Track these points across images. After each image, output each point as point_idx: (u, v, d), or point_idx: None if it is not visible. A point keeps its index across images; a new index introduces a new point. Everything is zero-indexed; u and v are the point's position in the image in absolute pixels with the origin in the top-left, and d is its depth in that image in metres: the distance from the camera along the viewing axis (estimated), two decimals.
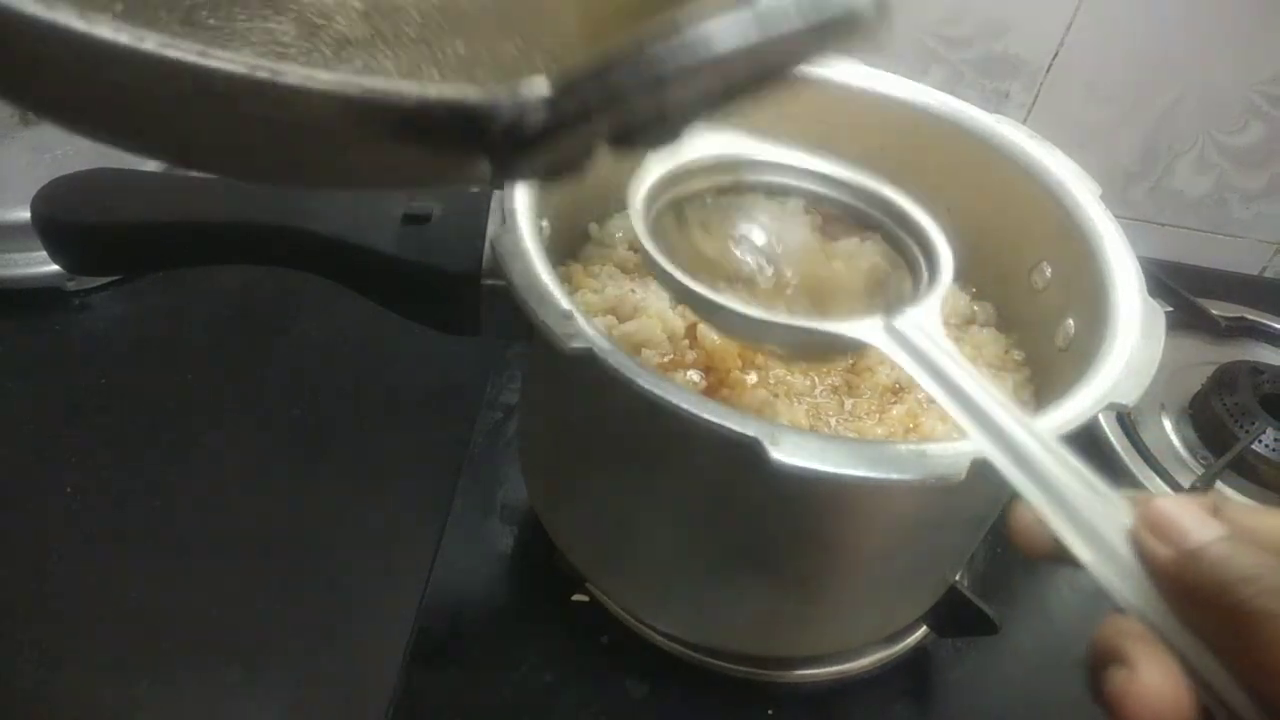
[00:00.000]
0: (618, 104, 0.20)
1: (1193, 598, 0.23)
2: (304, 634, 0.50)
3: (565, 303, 0.36)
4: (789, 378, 0.46)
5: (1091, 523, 0.26)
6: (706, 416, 0.33)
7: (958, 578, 0.50)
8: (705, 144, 0.41)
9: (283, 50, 0.30)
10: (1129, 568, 0.25)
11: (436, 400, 0.62)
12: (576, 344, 0.35)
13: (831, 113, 0.52)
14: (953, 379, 0.31)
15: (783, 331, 0.36)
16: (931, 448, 0.34)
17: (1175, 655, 0.23)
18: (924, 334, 0.34)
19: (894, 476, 0.33)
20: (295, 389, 0.62)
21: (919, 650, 0.53)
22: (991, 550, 0.58)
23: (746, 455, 0.32)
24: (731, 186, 0.42)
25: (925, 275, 0.39)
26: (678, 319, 0.46)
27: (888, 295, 0.39)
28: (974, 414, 0.30)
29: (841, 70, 0.52)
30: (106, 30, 0.17)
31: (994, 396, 0.30)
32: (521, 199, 0.41)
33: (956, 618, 0.50)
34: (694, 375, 0.45)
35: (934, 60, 0.76)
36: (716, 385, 0.45)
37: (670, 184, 0.40)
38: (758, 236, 0.41)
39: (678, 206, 0.41)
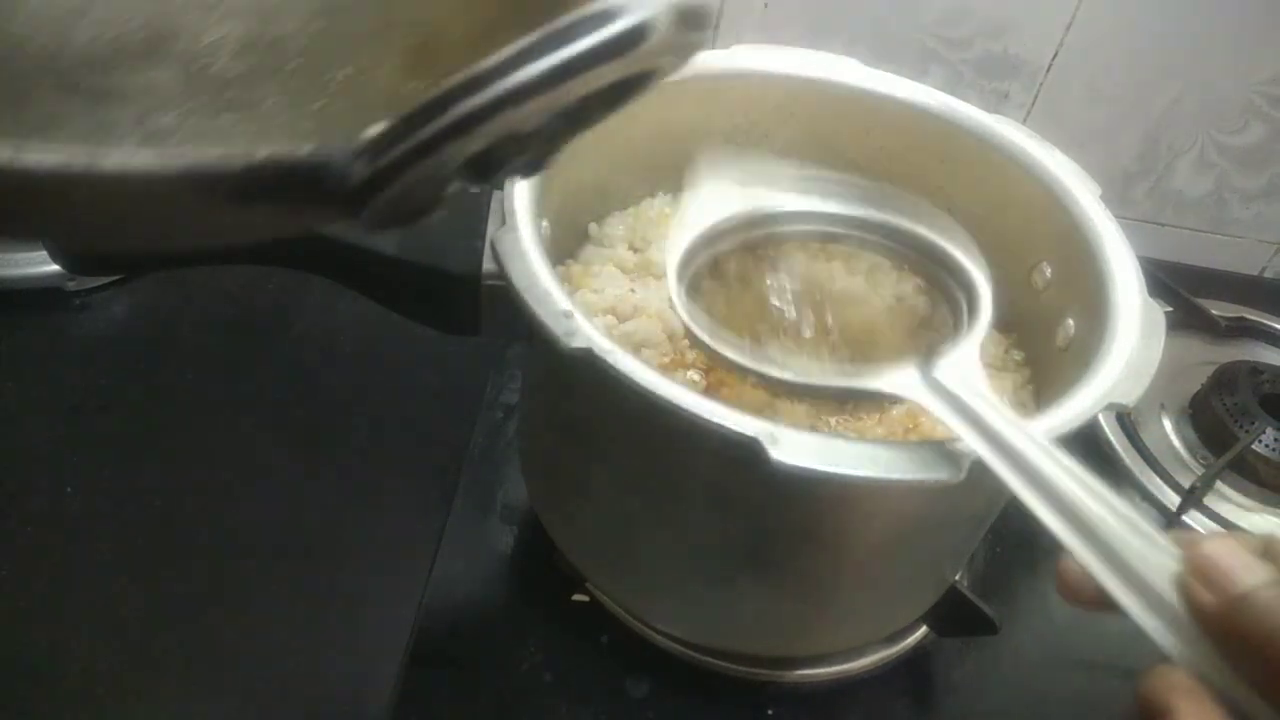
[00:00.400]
0: (429, 153, 0.20)
1: (1242, 646, 0.23)
2: (304, 634, 0.50)
3: (565, 303, 0.36)
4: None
5: (1139, 572, 0.25)
6: (706, 416, 0.33)
7: (958, 578, 0.50)
8: (735, 202, 0.42)
9: (164, 104, 0.30)
10: (1177, 616, 0.24)
11: (436, 400, 0.62)
12: (576, 344, 0.35)
13: (832, 114, 0.52)
14: (994, 429, 0.31)
15: (819, 390, 0.37)
16: (932, 448, 0.34)
17: (1226, 706, 0.23)
18: (964, 383, 0.33)
19: (894, 477, 0.33)
20: (295, 389, 0.62)
21: (919, 650, 0.53)
22: (991, 550, 0.58)
23: (746, 455, 0.32)
24: (767, 240, 0.42)
25: (965, 313, 0.39)
26: (677, 319, 0.46)
27: (930, 335, 0.39)
28: (1016, 465, 0.30)
29: (842, 71, 0.52)
30: None
31: (1038, 445, 0.30)
32: (521, 199, 0.41)
33: (956, 618, 0.50)
34: (694, 375, 0.45)
35: (934, 60, 0.76)
36: (716, 385, 0.45)
37: (705, 245, 0.41)
38: (796, 285, 0.42)
39: (715, 265, 0.41)
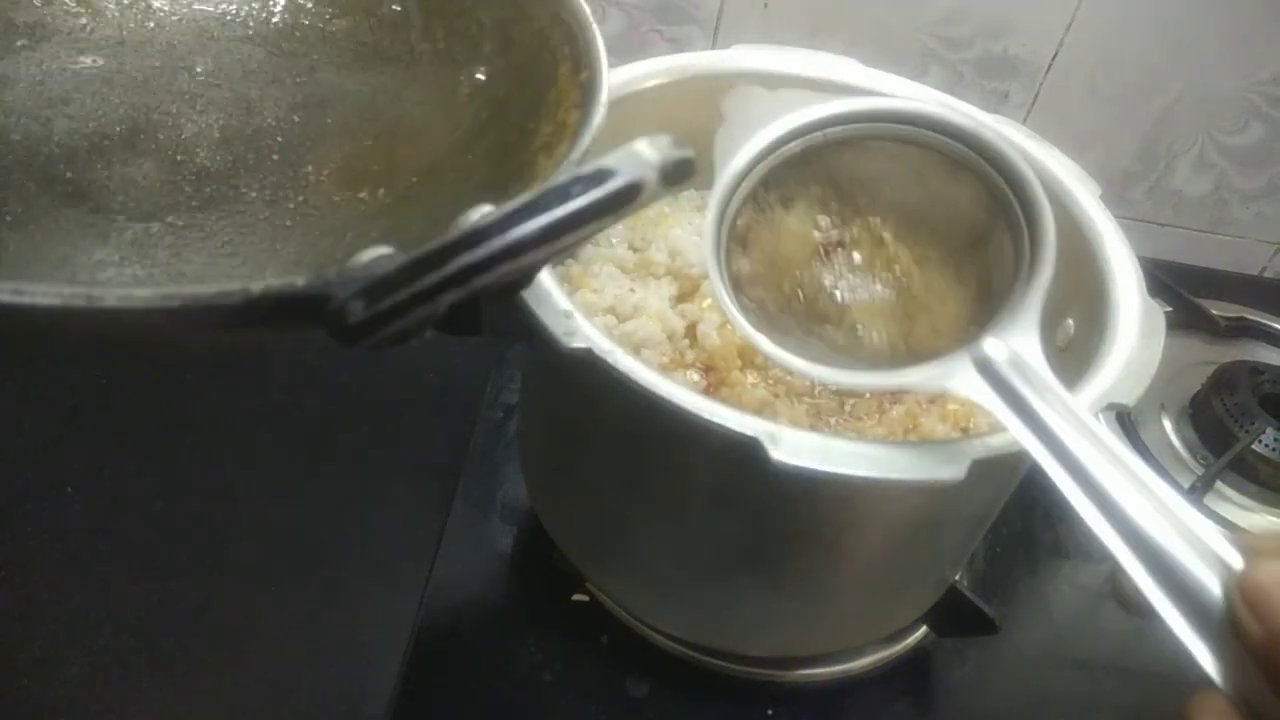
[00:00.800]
0: (427, 301, 0.22)
1: None
2: (304, 634, 0.50)
3: (565, 302, 0.36)
4: (789, 378, 0.46)
5: (1192, 594, 0.25)
6: (706, 416, 0.33)
7: (957, 578, 0.50)
8: (772, 129, 0.39)
9: (140, 197, 0.30)
10: (1224, 641, 0.24)
11: (436, 400, 0.62)
12: (576, 344, 0.35)
13: None
14: (1051, 430, 0.30)
15: (865, 388, 0.36)
16: (932, 448, 0.34)
17: None
18: (1021, 373, 0.32)
19: (894, 477, 0.33)
20: (295, 389, 0.62)
21: (919, 650, 0.53)
22: (991, 550, 0.58)
23: (747, 455, 0.32)
24: (812, 154, 0.39)
25: (1027, 246, 0.36)
26: (677, 319, 0.46)
27: (988, 258, 0.37)
28: (1073, 470, 0.29)
29: (842, 71, 0.52)
30: None
31: (1096, 447, 0.29)
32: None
33: (956, 618, 0.50)
34: (694, 375, 0.45)
35: (934, 60, 0.76)
36: (717, 385, 0.44)
37: (746, 183, 0.39)
38: (844, 222, 0.39)
39: (755, 194, 0.39)
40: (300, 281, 0.21)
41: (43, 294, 0.19)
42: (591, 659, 0.50)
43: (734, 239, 0.39)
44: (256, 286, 0.20)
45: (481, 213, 0.24)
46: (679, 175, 0.23)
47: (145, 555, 0.52)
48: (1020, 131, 0.50)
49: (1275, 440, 0.64)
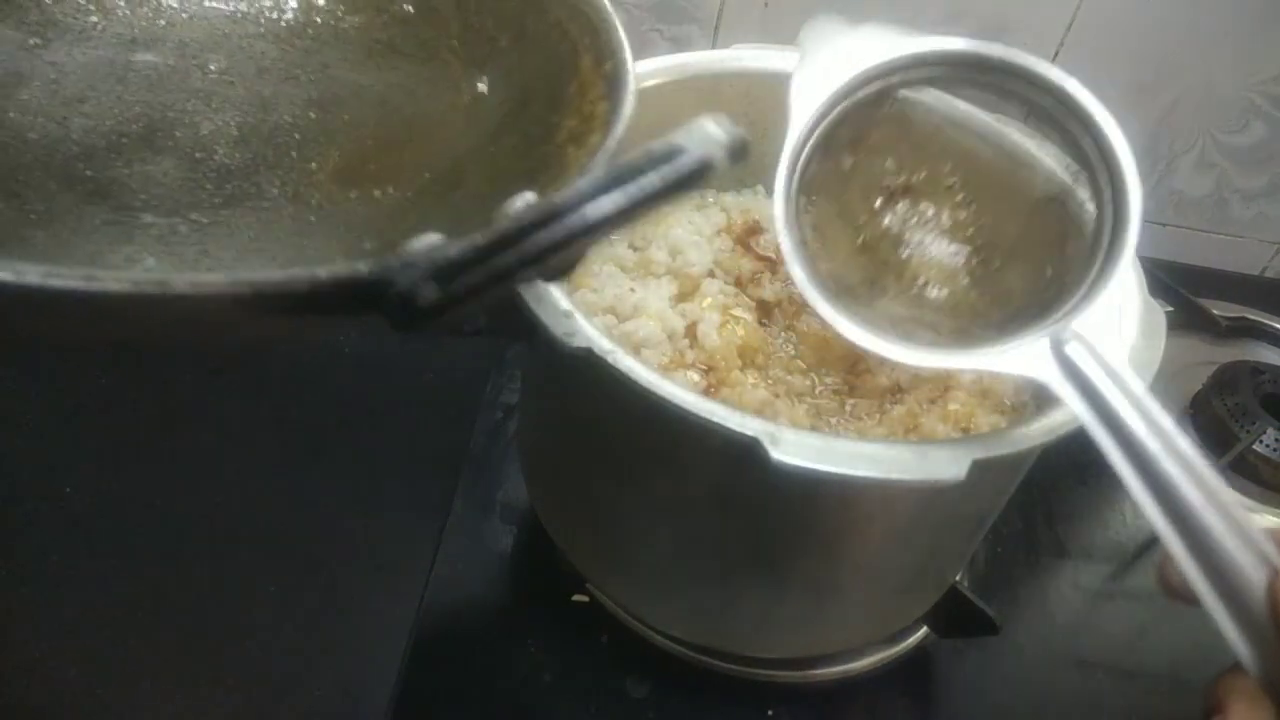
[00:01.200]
0: (503, 281, 0.22)
1: None
2: (304, 634, 0.50)
3: (565, 302, 0.36)
4: (789, 378, 0.46)
5: (1233, 582, 0.26)
6: (707, 416, 0.33)
7: (958, 578, 0.50)
8: (846, 69, 0.37)
9: (163, 194, 0.30)
10: (1260, 627, 0.25)
11: (436, 400, 0.62)
12: (576, 343, 0.35)
13: None
14: (1121, 421, 0.30)
15: (932, 366, 0.34)
16: (932, 448, 0.34)
17: None
18: (1096, 362, 0.32)
19: (895, 477, 0.33)
20: (295, 389, 0.62)
21: (919, 651, 0.53)
22: (992, 550, 0.58)
23: (747, 455, 0.32)
24: (895, 88, 0.38)
25: (1109, 202, 0.35)
26: (677, 318, 0.46)
27: (1064, 223, 0.35)
28: (1137, 461, 0.29)
29: None
30: None
31: (1161, 441, 0.29)
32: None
33: (957, 618, 0.50)
34: (694, 375, 0.45)
35: None
36: (717, 385, 0.44)
37: (823, 119, 0.37)
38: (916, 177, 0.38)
39: (828, 140, 0.38)
40: (365, 266, 0.21)
41: (114, 280, 0.18)
42: (591, 659, 0.50)
43: (802, 189, 0.38)
44: (324, 271, 0.20)
45: (525, 200, 0.24)
46: (742, 153, 0.23)
47: (145, 555, 0.52)
48: (1021, 131, 0.50)
49: (1276, 440, 0.63)
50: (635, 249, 0.51)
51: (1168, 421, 0.29)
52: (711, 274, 0.50)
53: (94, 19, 0.35)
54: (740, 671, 0.50)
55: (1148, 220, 0.87)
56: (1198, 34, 0.73)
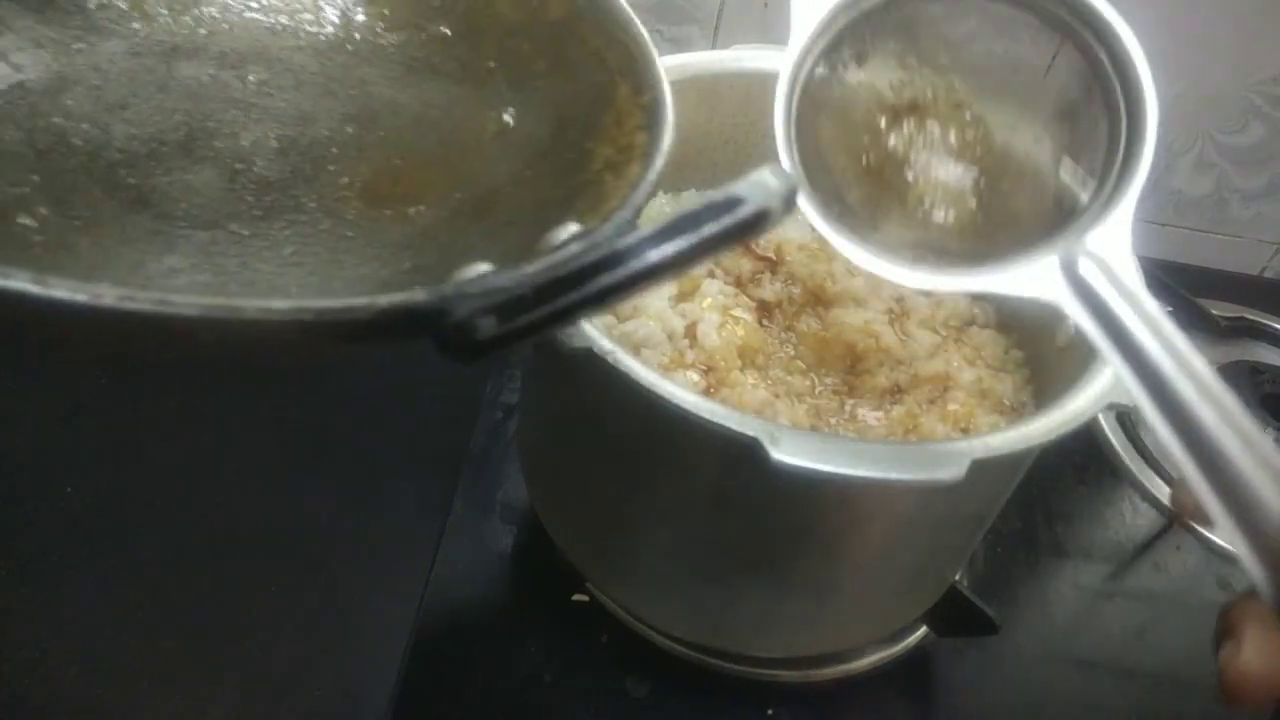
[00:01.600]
0: (562, 319, 0.23)
1: None
2: (304, 634, 0.50)
3: None
4: (789, 378, 0.46)
5: (1252, 508, 0.25)
6: (707, 416, 0.33)
7: (958, 578, 0.50)
8: None
9: (203, 204, 0.31)
10: (1277, 556, 0.25)
11: (436, 400, 0.62)
12: (576, 344, 0.35)
13: None
14: (1136, 344, 0.29)
15: (941, 288, 0.33)
16: (932, 447, 0.34)
17: None
18: (1110, 279, 0.31)
19: (894, 476, 0.32)
20: (295, 389, 0.62)
21: (919, 650, 0.53)
22: (992, 550, 0.58)
23: (747, 455, 0.32)
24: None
25: (1123, 117, 0.34)
26: (677, 318, 0.46)
27: (1077, 139, 0.34)
28: (1152, 386, 0.28)
29: None
30: (63, 292, 0.18)
31: (1178, 364, 0.28)
32: None
33: (956, 618, 0.50)
34: (694, 375, 0.45)
35: None
36: (717, 385, 0.44)
37: (825, 29, 0.36)
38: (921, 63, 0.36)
39: (830, 52, 0.37)
40: (423, 295, 0.21)
41: (186, 305, 0.19)
42: (591, 659, 0.50)
43: (803, 107, 0.37)
44: (384, 300, 0.21)
45: (569, 231, 0.25)
46: (794, 202, 0.24)
47: (145, 555, 0.52)
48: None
49: (1277, 441, 0.63)
50: None
51: (1182, 341, 0.29)
52: (711, 274, 0.50)
53: (136, 25, 0.35)
54: (740, 671, 0.50)
55: (1147, 220, 0.87)
56: (1197, 34, 0.73)
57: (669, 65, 0.51)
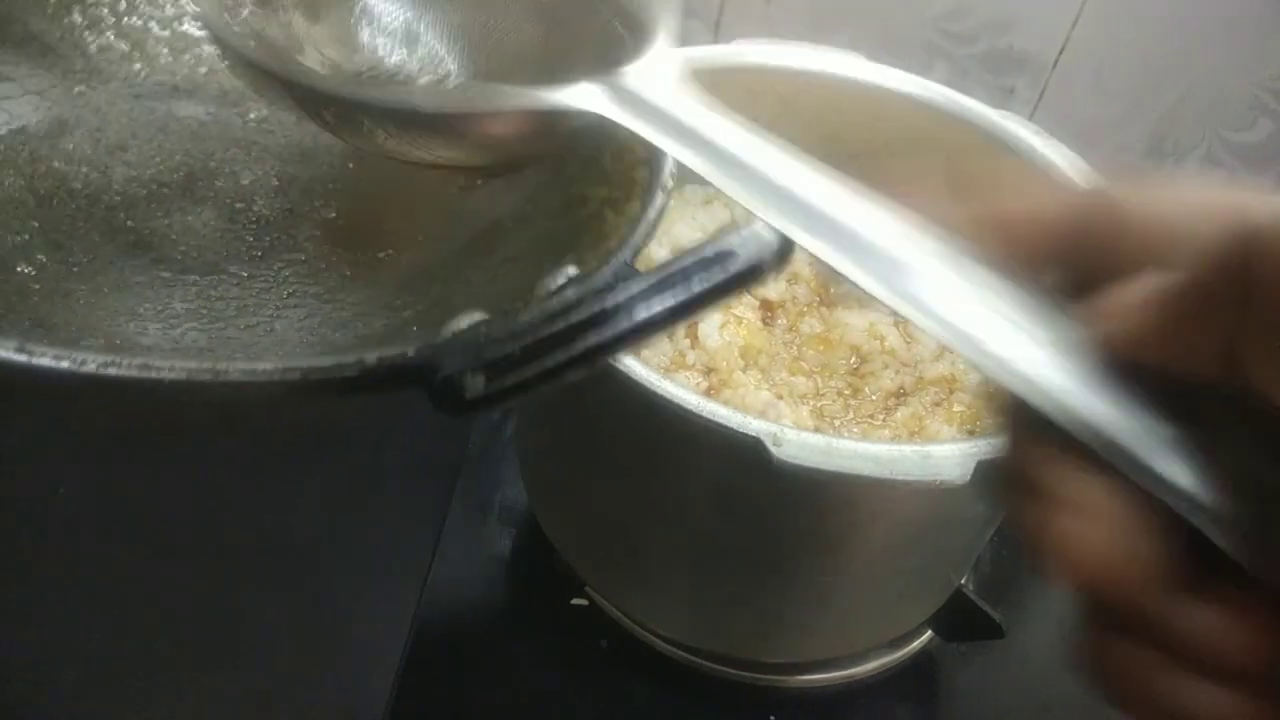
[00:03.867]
0: (550, 379, 0.23)
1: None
2: (299, 637, 0.50)
3: None
4: (792, 379, 0.46)
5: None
6: (709, 417, 0.33)
7: (963, 581, 0.50)
8: None
9: (202, 246, 0.30)
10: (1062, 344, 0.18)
11: None
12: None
13: (836, 108, 0.52)
14: (718, 144, 0.25)
15: (455, 122, 0.27)
16: (936, 449, 0.33)
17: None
18: (664, 91, 0.27)
19: (899, 477, 0.32)
20: None
21: (923, 655, 0.52)
22: (997, 553, 0.57)
23: (749, 456, 0.32)
24: None
25: None
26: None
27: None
28: (748, 180, 0.23)
29: (847, 66, 0.51)
30: (47, 360, 0.19)
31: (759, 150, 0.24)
32: None
33: (962, 622, 0.50)
34: (695, 377, 0.44)
35: (939, 56, 0.75)
36: (718, 386, 0.44)
37: None
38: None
39: None
40: (412, 351, 0.22)
41: (169, 369, 0.20)
42: (591, 664, 0.50)
43: None
44: (372, 357, 0.21)
45: (567, 274, 0.24)
46: (788, 256, 0.23)
47: (138, 557, 0.52)
48: (1026, 127, 0.49)
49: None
50: None
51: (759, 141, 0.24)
52: None
53: (137, 66, 0.35)
54: (742, 676, 0.50)
55: None
56: (1205, 30, 0.73)
57: None
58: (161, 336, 0.27)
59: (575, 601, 0.52)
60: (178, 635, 0.49)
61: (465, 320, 0.22)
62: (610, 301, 0.22)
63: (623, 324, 0.22)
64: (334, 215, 0.33)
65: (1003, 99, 0.77)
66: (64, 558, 0.51)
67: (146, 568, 0.51)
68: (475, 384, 0.21)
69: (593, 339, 0.22)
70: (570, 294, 0.23)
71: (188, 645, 0.49)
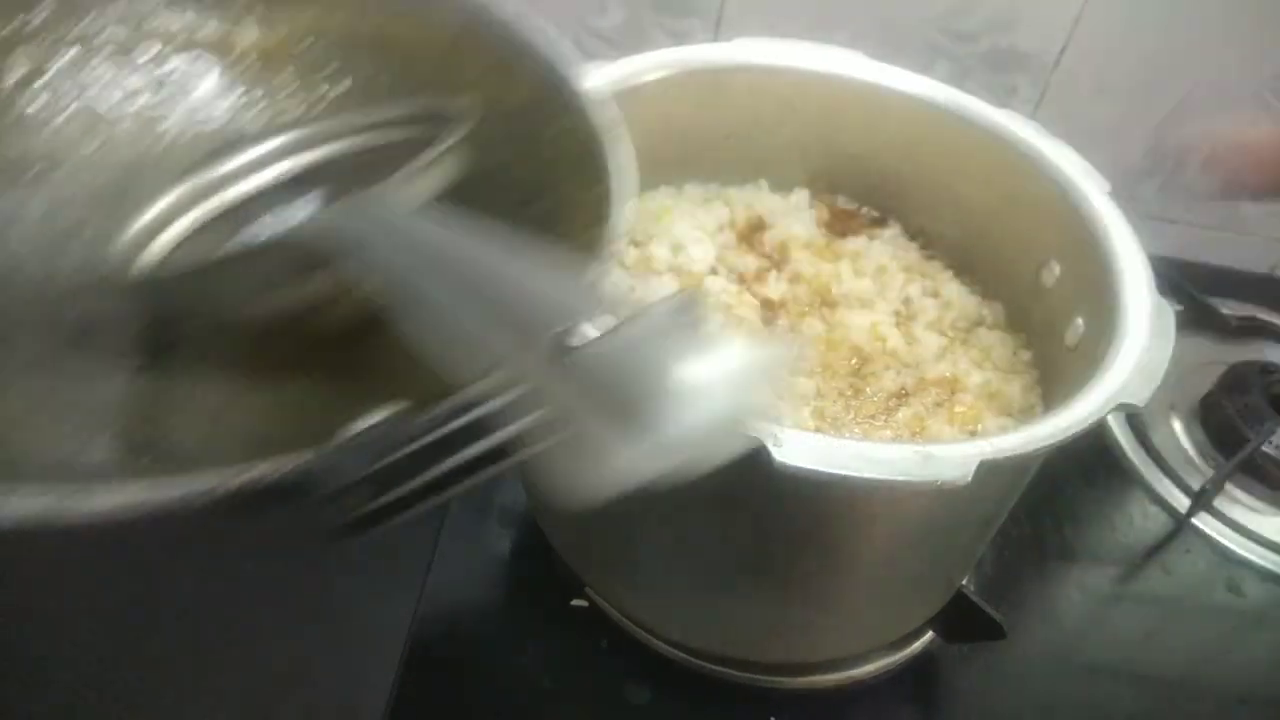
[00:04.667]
0: (434, 492, 0.21)
1: None
2: (299, 638, 0.49)
3: None
4: (793, 380, 0.46)
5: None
6: None
7: (964, 582, 0.50)
8: None
9: (147, 334, 0.29)
10: None
11: None
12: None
13: (838, 107, 0.52)
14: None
15: None
16: (938, 449, 0.33)
17: None
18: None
19: (900, 478, 0.32)
20: None
21: (925, 656, 0.52)
22: (999, 554, 0.57)
23: (750, 457, 0.31)
24: None
25: None
26: None
27: None
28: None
29: (849, 65, 0.51)
30: None
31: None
32: None
33: (963, 623, 0.49)
34: None
35: (940, 55, 0.75)
36: None
37: None
38: None
39: None
40: (288, 466, 0.20)
41: (21, 502, 0.19)
42: (591, 665, 0.49)
43: None
44: (234, 480, 0.20)
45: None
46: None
47: (135, 558, 0.52)
48: (1028, 127, 0.49)
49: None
50: (636, 245, 0.50)
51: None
52: (714, 271, 0.49)
53: (97, 143, 0.33)
54: (742, 677, 0.49)
55: (1157, 218, 0.86)
56: (1208, 28, 0.72)
57: (670, 60, 0.50)
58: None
59: (575, 602, 0.51)
60: (175, 638, 0.49)
61: (361, 424, 0.21)
62: (451, 427, 0.21)
63: (507, 430, 0.20)
64: None
65: (1004, 98, 0.76)
66: (59, 558, 0.51)
67: (145, 567, 0.51)
68: (357, 503, 0.20)
69: (479, 447, 0.21)
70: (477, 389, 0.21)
71: (188, 645, 0.49)
